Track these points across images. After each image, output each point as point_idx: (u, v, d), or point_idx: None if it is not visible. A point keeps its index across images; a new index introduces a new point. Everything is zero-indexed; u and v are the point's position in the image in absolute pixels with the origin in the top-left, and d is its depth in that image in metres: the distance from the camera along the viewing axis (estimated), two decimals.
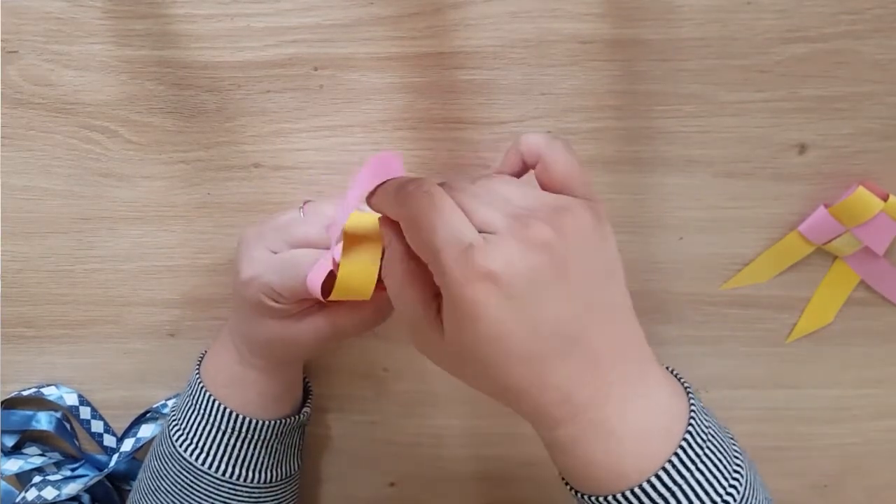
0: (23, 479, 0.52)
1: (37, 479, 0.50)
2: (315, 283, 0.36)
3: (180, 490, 0.42)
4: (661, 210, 0.46)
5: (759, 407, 0.50)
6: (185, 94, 0.44)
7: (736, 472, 0.32)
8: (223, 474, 0.42)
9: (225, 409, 0.42)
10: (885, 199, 0.44)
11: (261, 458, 0.43)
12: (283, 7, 0.42)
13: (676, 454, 0.30)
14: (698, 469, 0.30)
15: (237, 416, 0.42)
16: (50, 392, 0.51)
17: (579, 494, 0.32)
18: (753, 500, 0.32)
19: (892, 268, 0.46)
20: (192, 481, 0.42)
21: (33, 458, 0.52)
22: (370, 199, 0.33)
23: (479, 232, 0.29)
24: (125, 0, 0.42)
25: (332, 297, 0.37)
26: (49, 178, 0.46)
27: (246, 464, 0.42)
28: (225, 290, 0.49)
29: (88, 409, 0.52)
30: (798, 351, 0.49)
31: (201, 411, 0.42)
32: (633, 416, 0.30)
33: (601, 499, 0.30)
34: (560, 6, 0.41)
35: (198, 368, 0.44)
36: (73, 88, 0.44)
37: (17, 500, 0.49)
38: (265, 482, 0.43)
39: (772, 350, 0.49)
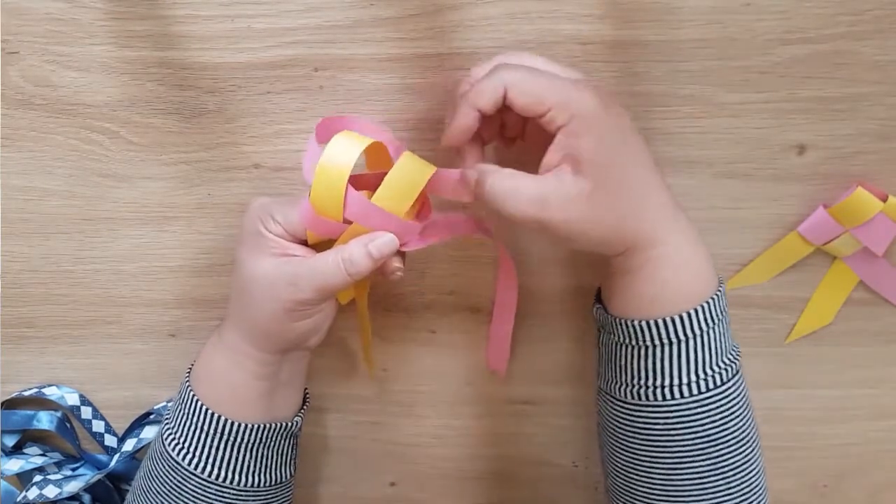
0: (24, 478, 0.52)
1: (38, 478, 0.50)
2: (304, 205, 0.38)
3: (169, 490, 0.42)
4: None
5: (759, 407, 0.49)
6: (186, 95, 0.44)
7: (737, 348, 0.40)
8: (209, 476, 0.42)
9: (207, 410, 0.42)
10: (884, 199, 0.44)
11: (246, 462, 0.43)
12: (284, 8, 0.42)
13: (715, 296, 0.38)
14: (721, 323, 0.38)
15: (219, 417, 0.41)
16: (51, 392, 0.51)
17: (638, 322, 0.38)
18: (743, 383, 0.39)
19: (891, 268, 0.46)
20: (179, 481, 0.42)
21: (34, 457, 0.52)
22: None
23: None
24: (126, 1, 0.43)
25: (309, 229, 0.39)
26: (50, 178, 0.47)
27: (231, 466, 0.42)
28: (225, 290, 0.49)
29: (90, 408, 0.52)
30: (798, 351, 0.49)
31: (187, 412, 0.42)
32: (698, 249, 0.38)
33: (665, 319, 0.37)
34: (559, 7, 0.41)
35: (189, 369, 0.44)
36: (74, 89, 0.44)
37: (19, 499, 0.49)
38: (252, 486, 0.43)
39: (772, 350, 0.49)
